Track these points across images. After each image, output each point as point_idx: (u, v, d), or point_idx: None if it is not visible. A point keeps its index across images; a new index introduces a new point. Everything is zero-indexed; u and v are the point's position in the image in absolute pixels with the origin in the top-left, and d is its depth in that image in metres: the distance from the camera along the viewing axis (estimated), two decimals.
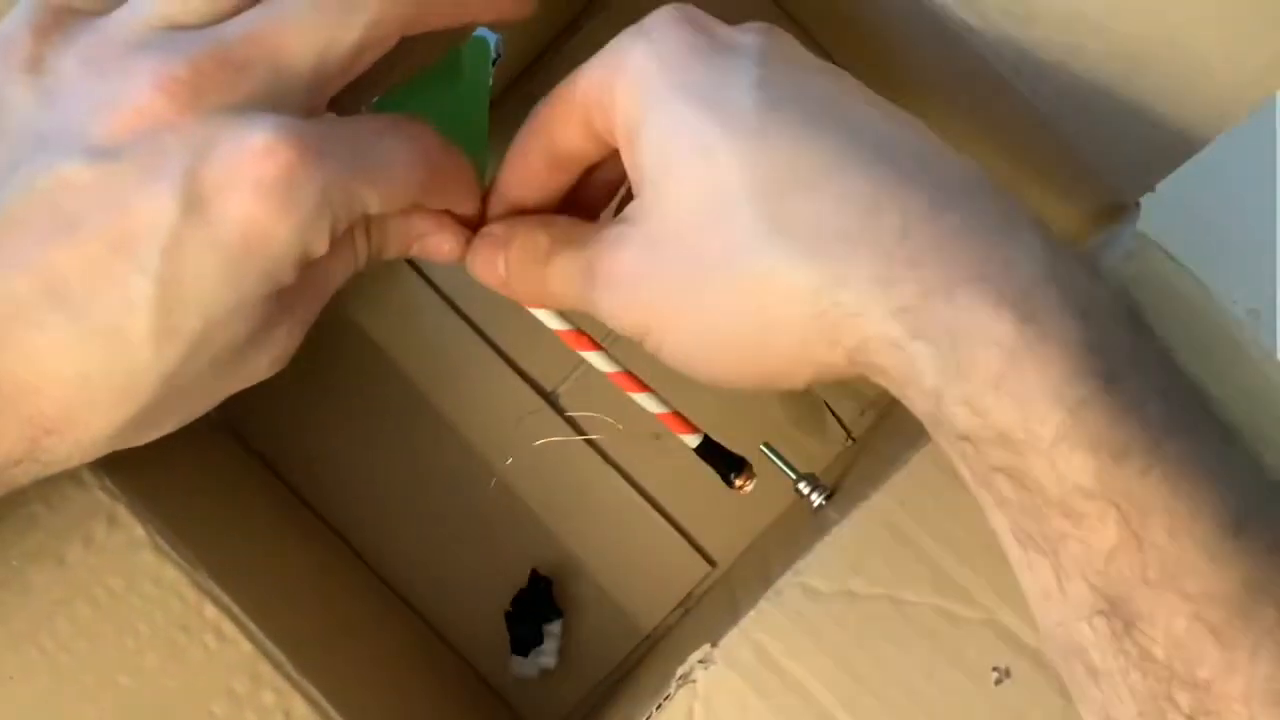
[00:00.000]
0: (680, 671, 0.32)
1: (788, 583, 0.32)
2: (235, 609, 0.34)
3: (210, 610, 0.33)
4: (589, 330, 0.36)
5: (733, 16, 0.30)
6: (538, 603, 0.46)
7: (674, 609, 0.48)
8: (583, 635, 0.48)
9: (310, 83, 0.28)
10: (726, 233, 0.27)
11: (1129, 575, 0.24)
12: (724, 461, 0.38)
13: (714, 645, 0.32)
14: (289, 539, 0.45)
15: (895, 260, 0.25)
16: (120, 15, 0.28)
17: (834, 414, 0.47)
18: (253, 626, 0.34)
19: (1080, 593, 0.25)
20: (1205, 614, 0.24)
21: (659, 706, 0.32)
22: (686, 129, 0.27)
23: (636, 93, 0.28)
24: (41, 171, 0.26)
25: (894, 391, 0.27)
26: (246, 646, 0.33)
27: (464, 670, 0.48)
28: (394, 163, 0.29)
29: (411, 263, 0.48)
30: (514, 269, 0.32)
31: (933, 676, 0.31)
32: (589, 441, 0.48)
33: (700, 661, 0.32)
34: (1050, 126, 0.33)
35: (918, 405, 0.26)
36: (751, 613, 0.32)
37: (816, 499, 0.39)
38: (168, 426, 0.30)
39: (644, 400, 0.36)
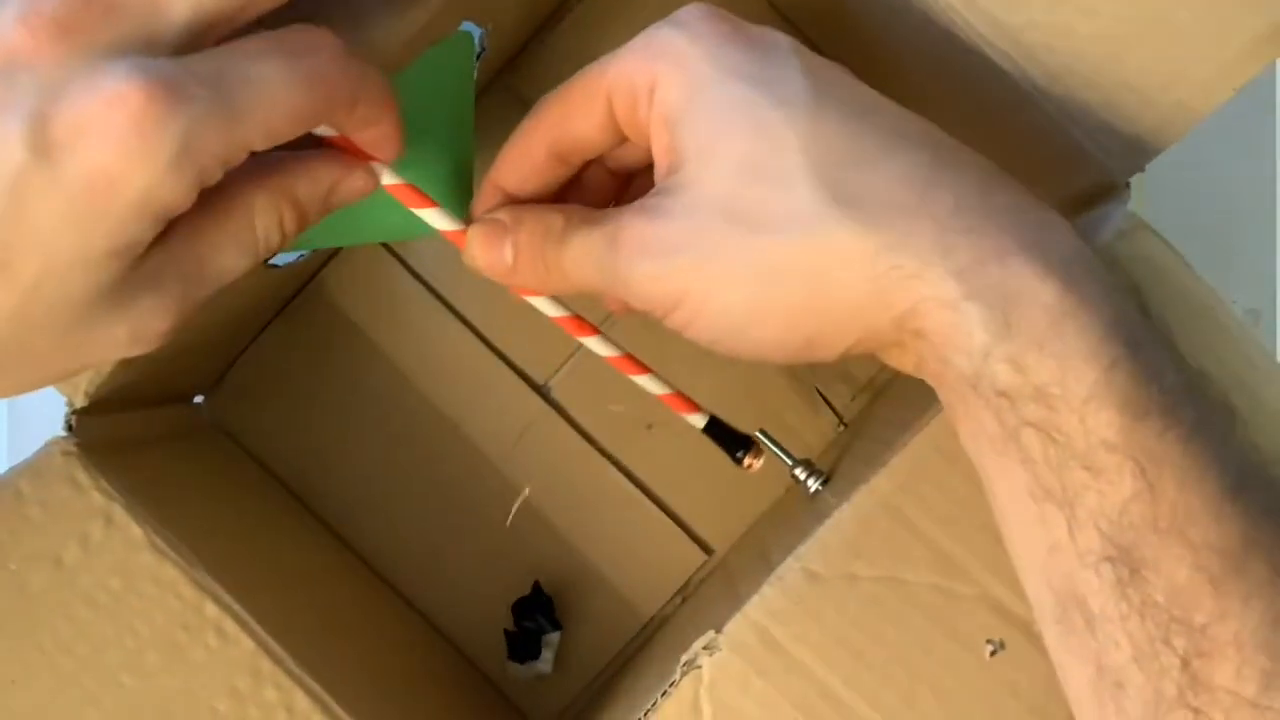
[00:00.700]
0: (685, 658, 0.32)
1: (789, 568, 0.32)
2: (236, 607, 0.34)
3: (211, 609, 0.33)
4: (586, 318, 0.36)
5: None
6: (538, 616, 0.46)
7: (672, 597, 0.48)
8: (582, 625, 0.48)
9: (187, 27, 0.26)
10: (784, 200, 0.28)
11: (1140, 524, 0.26)
12: (731, 440, 0.37)
13: (718, 631, 0.32)
14: (285, 537, 0.45)
15: (952, 229, 0.27)
16: None
17: (825, 399, 0.47)
18: (253, 623, 0.34)
19: (1091, 541, 0.27)
20: (1205, 563, 0.26)
21: (664, 694, 0.32)
22: (742, 105, 0.28)
23: (682, 76, 0.29)
24: None
25: (928, 356, 0.28)
26: (248, 643, 0.33)
27: (463, 664, 0.48)
28: (272, 90, 0.26)
29: (400, 258, 0.48)
30: (524, 252, 0.32)
31: (930, 651, 0.32)
32: (583, 433, 0.48)
33: (705, 648, 0.32)
34: (1039, 108, 0.33)
35: (957, 365, 0.27)
36: (755, 598, 0.32)
37: (813, 484, 0.39)
38: (6, 383, 0.28)
39: (646, 382, 0.36)
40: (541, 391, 0.48)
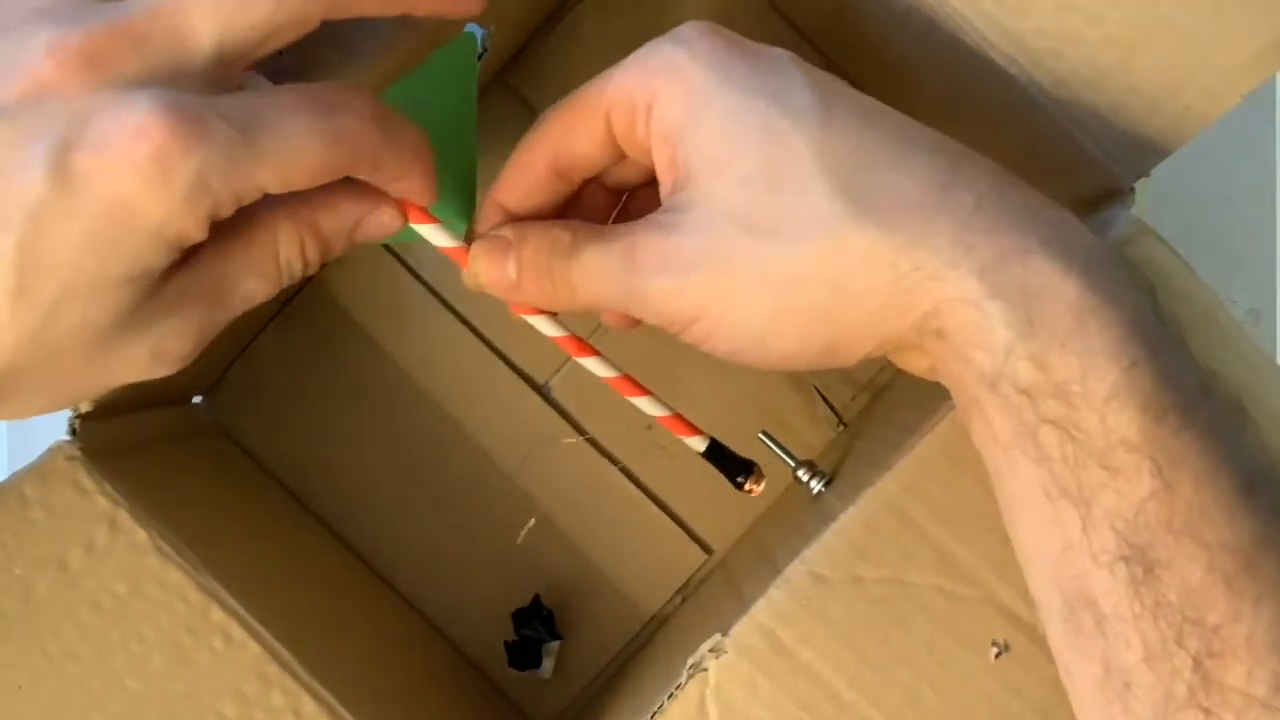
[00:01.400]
0: (691, 661, 0.32)
1: (796, 570, 0.32)
2: (241, 610, 0.33)
3: (216, 613, 0.33)
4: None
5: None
6: (537, 625, 0.46)
7: (672, 596, 0.48)
8: (582, 625, 0.48)
9: (213, 60, 0.27)
10: (800, 207, 0.28)
11: (1155, 523, 0.26)
12: (732, 465, 0.37)
13: (724, 634, 0.32)
14: (287, 539, 0.45)
15: (972, 228, 0.27)
16: None
17: (826, 400, 0.47)
18: (259, 627, 0.34)
19: (1105, 541, 0.27)
20: (1220, 563, 0.26)
21: (671, 696, 0.32)
22: (751, 116, 0.28)
23: (685, 90, 0.29)
24: None
25: (946, 357, 0.28)
26: (254, 648, 0.33)
27: (463, 664, 0.48)
28: (295, 141, 0.27)
29: (400, 258, 0.48)
30: (528, 268, 0.31)
31: (935, 652, 0.32)
32: (584, 433, 0.48)
33: (711, 650, 0.32)
34: (1044, 112, 0.33)
35: (977, 363, 0.27)
36: (761, 601, 0.32)
37: (816, 486, 0.39)
38: (33, 403, 0.28)
39: (643, 404, 0.36)
40: (542, 392, 0.48)
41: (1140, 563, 0.26)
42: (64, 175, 0.25)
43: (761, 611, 0.32)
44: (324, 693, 0.34)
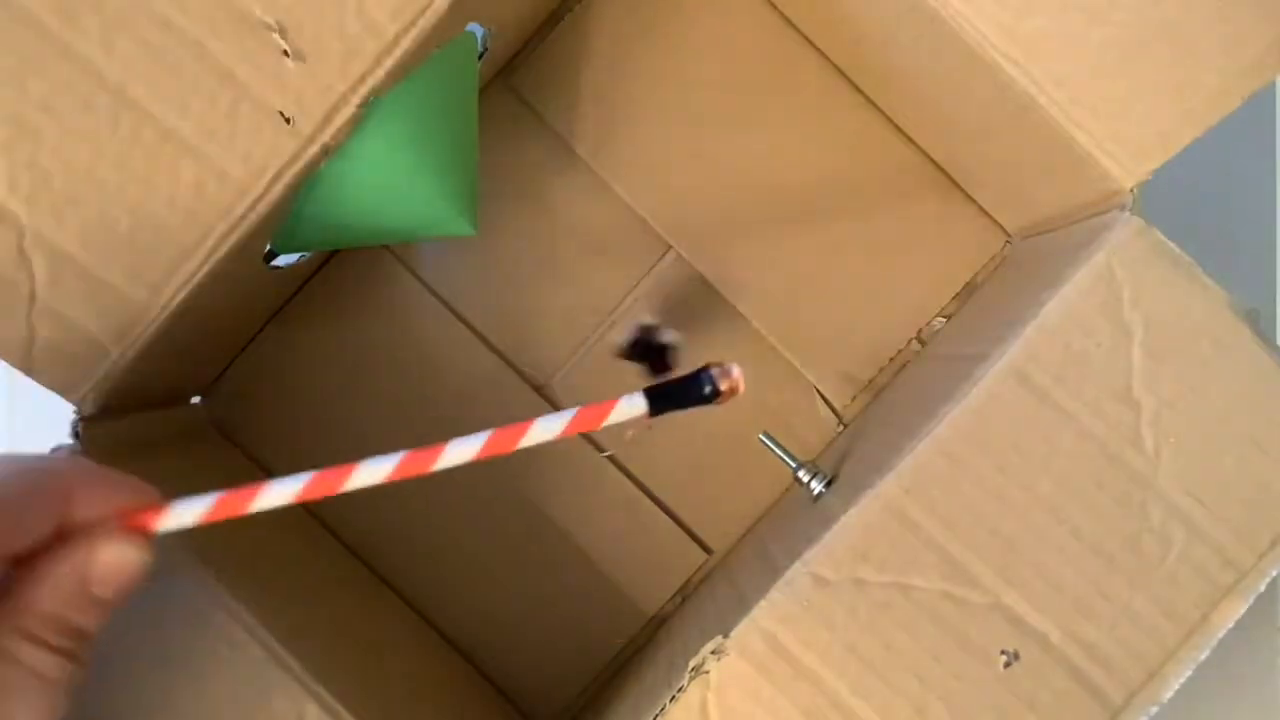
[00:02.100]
0: (693, 663, 0.32)
1: (798, 572, 0.32)
2: (245, 615, 0.33)
3: (219, 617, 0.33)
4: None
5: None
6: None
7: (672, 596, 0.48)
8: (582, 624, 0.48)
9: None
10: None
11: None
12: (686, 392, 0.31)
13: (725, 636, 0.32)
14: (288, 541, 0.45)
15: None
16: None
17: (826, 401, 0.47)
18: (262, 631, 0.33)
19: None
20: None
21: (672, 699, 0.32)
22: None
23: None
24: None
25: None
26: (257, 651, 0.33)
27: (463, 664, 0.48)
28: None
29: (400, 258, 0.48)
30: None
31: (942, 660, 0.31)
32: (583, 434, 0.48)
33: (713, 653, 0.32)
34: (1046, 113, 0.33)
35: None
36: (763, 603, 0.32)
37: (817, 486, 0.39)
38: None
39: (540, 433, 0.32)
40: (542, 392, 0.48)
41: None
42: None
43: (763, 614, 0.32)
44: (327, 697, 0.33)
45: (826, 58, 0.47)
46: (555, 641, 0.48)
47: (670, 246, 0.48)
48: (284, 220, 0.36)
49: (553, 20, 0.48)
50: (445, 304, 0.48)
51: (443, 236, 0.40)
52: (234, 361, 0.48)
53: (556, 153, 0.48)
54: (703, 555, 0.48)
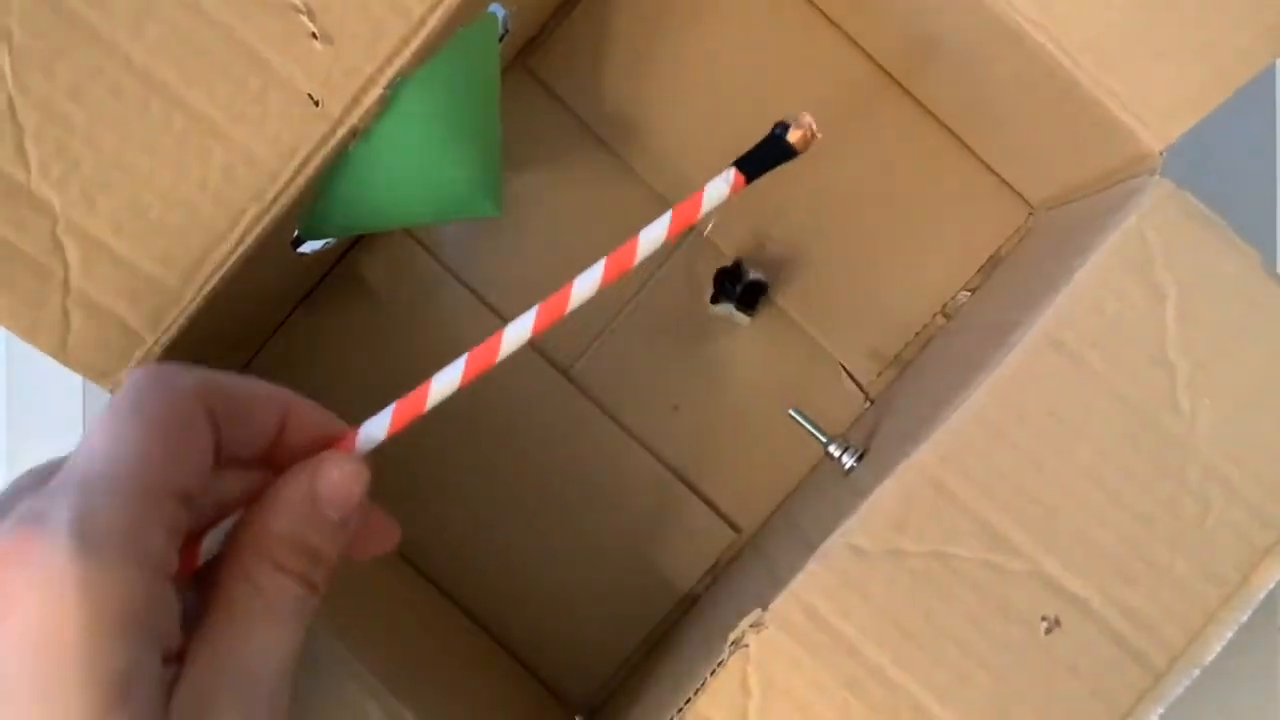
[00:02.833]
0: (732, 637, 0.32)
1: (835, 544, 0.32)
2: None
3: None
4: None
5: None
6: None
7: (703, 575, 0.48)
8: (613, 604, 0.48)
9: None
10: None
11: None
12: (769, 152, 0.33)
13: (764, 609, 0.32)
14: None
15: None
16: None
17: (851, 376, 0.47)
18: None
19: None
20: None
21: (713, 673, 0.32)
22: None
23: None
24: None
25: None
26: None
27: (494, 647, 0.48)
28: None
29: (424, 244, 0.48)
30: None
31: (982, 628, 0.31)
32: (610, 415, 0.48)
33: (752, 626, 0.32)
34: (1073, 77, 0.33)
35: None
36: (800, 575, 0.32)
37: (849, 461, 0.39)
38: None
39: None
40: (568, 375, 0.48)
41: None
42: None
43: (801, 585, 0.32)
44: (369, 677, 0.34)
45: (847, 35, 0.47)
46: (587, 623, 0.48)
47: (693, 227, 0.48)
48: (310, 205, 0.36)
49: (571, 3, 0.48)
50: (468, 287, 0.48)
51: (469, 218, 0.40)
52: (263, 347, 0.48)
53: (577, 135, 0.48)
54: (732, 534, 0.48)
